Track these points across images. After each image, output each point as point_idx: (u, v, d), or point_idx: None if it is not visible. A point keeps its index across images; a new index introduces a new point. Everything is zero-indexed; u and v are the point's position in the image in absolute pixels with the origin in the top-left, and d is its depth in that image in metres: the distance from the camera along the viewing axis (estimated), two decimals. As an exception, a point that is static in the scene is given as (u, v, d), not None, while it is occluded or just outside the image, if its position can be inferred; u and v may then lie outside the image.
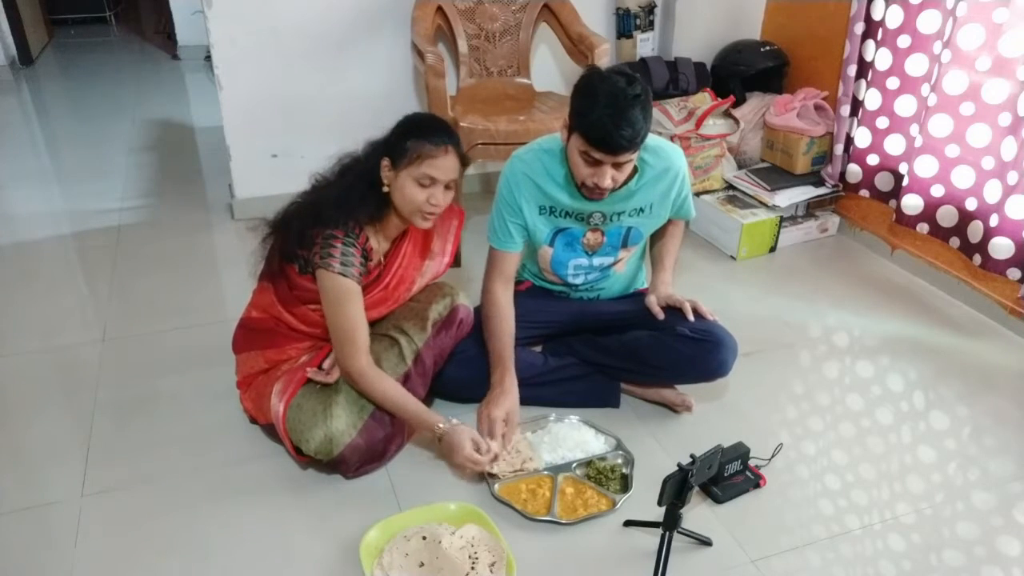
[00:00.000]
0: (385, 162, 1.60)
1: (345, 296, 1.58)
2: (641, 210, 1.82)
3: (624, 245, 1.88)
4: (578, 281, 1.93)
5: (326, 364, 1.70)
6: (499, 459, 1.68)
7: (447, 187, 1.61)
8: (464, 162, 1.63)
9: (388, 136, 1.63)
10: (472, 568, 1.42)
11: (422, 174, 1.57)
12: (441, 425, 1.63)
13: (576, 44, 2.67)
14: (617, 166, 1.62)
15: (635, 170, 1.73)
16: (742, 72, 3.06)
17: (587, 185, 1.66)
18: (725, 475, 1.68)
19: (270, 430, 1.77)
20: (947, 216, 2.45)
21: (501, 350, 1.79)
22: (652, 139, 1.74)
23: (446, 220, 1.83)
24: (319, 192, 1.66)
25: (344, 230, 1.59)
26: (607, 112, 1.53)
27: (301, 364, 1.72)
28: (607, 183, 1.63)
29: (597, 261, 1.89)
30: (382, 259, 1.71)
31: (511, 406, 1.74)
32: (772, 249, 2.80)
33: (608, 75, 1.58)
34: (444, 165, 1.58)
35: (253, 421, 1.81)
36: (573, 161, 1.66)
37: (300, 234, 1.60)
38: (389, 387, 1.63)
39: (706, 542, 1.55)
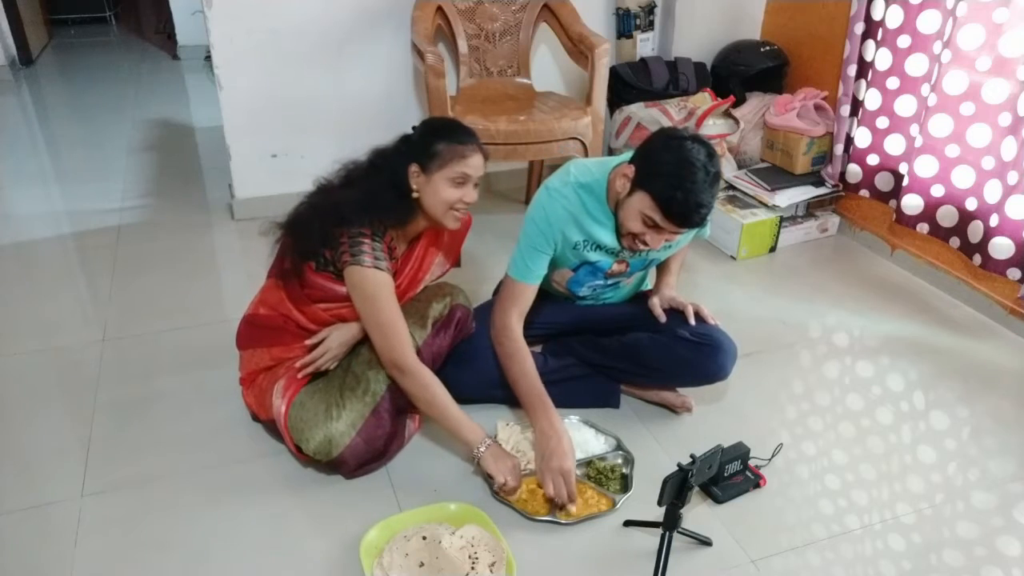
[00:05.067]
0: (414, 168, 1.62)
1: (381, 288, 1.59)
2: (668, 245, 1.80)
3: (643, 268, 1.89)
4: (586, 293, 1.93)
5: (307, 358, 1.70)
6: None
7: (475, 184, 1.65)
8: (486, 158, 1.67)
9: (412, 143, 1.65)
10: (472, 568, 1.42)
11: (457, 173, 1.61)
12: (481, 448, 1.60)
13: (576, 44, 2.67)
14: (674, 232, 1.60)
15: None
16: (742, 72, 3.06)
17: (635, 238, 1.63)
18: (725, 475, 1.68)
19: (271, 428, 1.77)
20: (947, 216, 2.45)
21: (535, 390, 1.69)
22: None
23: None
24: (334, 194, 1.66)
25: (371, 229, 1.61)
26: (689, 189, 1.49)
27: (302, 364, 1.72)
28: (657, 246, 1.62)
29: (612, 282, 1.89)
30: (397, 260, 1.73)
31: (572, 448, 1.63)
32: (772, 249, 2.80)
33: (691, 145, 1.52)
34: (476, 163, 1.63)
35: (255, 417, 1.82)
36: (628, 215, 1.61)
37: (323, 233, 1.61)
38: (438, 388, 1.62)
39: (706, 542, 1.55)
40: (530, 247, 1.73)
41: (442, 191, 1.61)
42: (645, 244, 1.63)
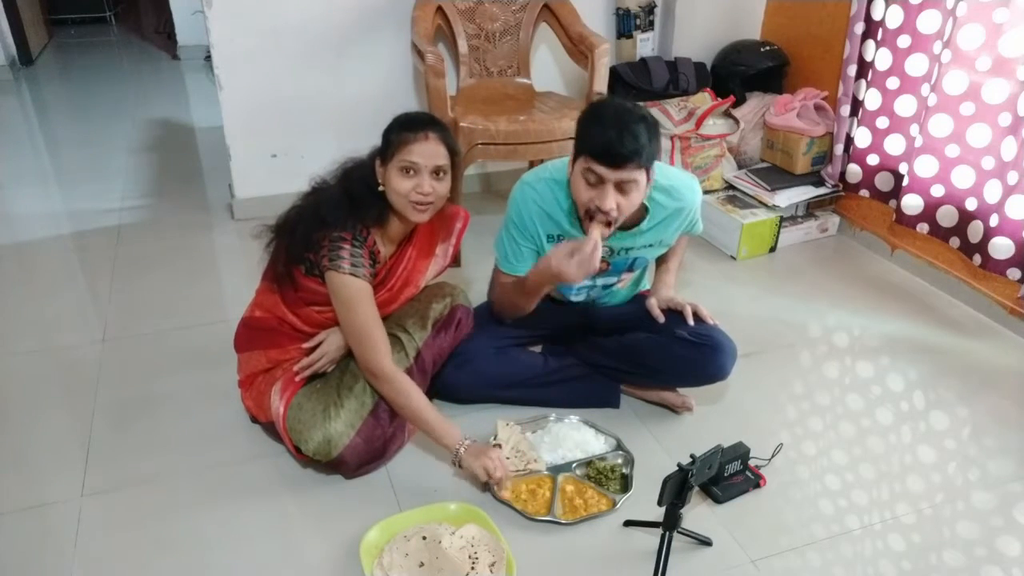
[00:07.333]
0: (378, 162, 1.62)
1: (357, 296, 1.58)
2: (650, 245, 1.81)
3: (629, 270, 1.88)
4: (580, 298, 1.92)
5: (304, 361, 1.70)
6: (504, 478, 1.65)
7: (435, 174, 1.59)
8: (452, 151, 1.62)
9: (382, 139, 1.64)
10: (472, 568, 1.42)
11: (402, 160, 1.57)
12: (460, 448, 1.60)
13: (576, 44, 2.67)
14: (620, 188, 1.54)
15: (645, 210, 1.69)
16: (742, 72, 3.06)
17: (590, 211, 1.58)
18: (725, 475, 1.68)
19: (270, 429, 1.77)
20: (947, 216, 2.45)
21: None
22: (667, 177, 1.71)
23: (450, 222, 1.83)
24: (320, 195, 1.66)
25: (352, 232, 1.59)
26: (611, 125, 1.50)
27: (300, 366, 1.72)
28: (609, 204, 1.53)
29: (601, 282, 1.88)
30: (387, 261, 1.72)
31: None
32: (772, 249, 2.80)
33: (613, 100, 1.58)
34: (423, 150, 1.57)
35: (254, 420, 1.82)
36: (576, 187, 1.60)
37: (306, 238, 1.60)
38: (414, 393, 1.62)
39: (706, 542, 1.55)
40: (511, 240, 1.77)
41: (393, 181, 1.58)
42: (601, 210, 1.56)
